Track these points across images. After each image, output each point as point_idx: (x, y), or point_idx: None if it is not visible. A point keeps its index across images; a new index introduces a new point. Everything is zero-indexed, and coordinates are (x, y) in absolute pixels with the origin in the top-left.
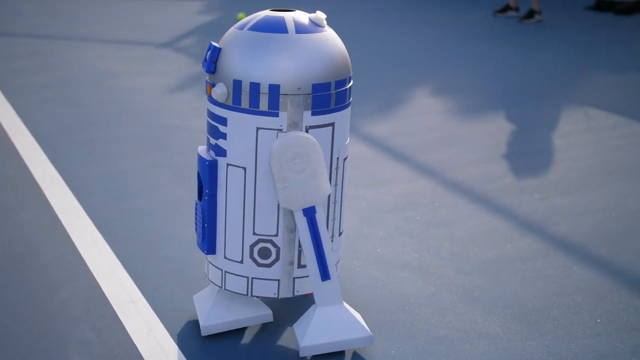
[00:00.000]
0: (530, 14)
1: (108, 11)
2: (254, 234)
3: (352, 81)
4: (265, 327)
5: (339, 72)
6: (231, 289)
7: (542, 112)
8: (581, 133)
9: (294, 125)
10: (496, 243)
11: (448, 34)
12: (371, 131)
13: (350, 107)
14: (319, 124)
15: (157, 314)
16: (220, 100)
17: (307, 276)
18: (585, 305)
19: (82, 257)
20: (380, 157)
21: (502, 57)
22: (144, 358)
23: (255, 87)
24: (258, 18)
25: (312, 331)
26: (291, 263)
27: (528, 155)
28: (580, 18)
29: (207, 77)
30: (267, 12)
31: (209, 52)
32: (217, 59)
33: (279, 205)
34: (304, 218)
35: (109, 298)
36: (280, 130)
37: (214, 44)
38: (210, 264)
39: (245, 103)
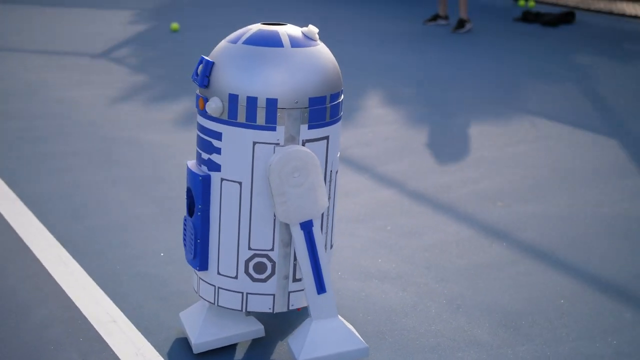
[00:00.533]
0: (461, 23)
1: (31, 20)
2: (250, 248)
3: (343, 94)
4: (256, 342)
5: (333, 85)
6: (225, 305)
7: (489, 121)
8: (530, 142)
9: (291, 139)
10: (468, 251)
11: (384, 43)
12: None
13: (341, 120)
14: (315, 137)
15: (142, 333)
16: (214, 115)
17: (302, 290)
18: (565, 309)
19: (52, 277)
20: (341, 168)
21: (438, 67)
22: None
23: (252, 102)
24: (251, 32)
25: (308, 345)
26: (286, 277)
27: (482, 164)
28: (509, 29)
29: (197, 91)
30: (259, 26)
31: (200, 66)
32: (210, 73)
33: (274, 220)
34: (301, 232)
35: (88, 318)
36: (278, 144)
37: (206, 58)
38: (201, 280)
39: (241, 117)
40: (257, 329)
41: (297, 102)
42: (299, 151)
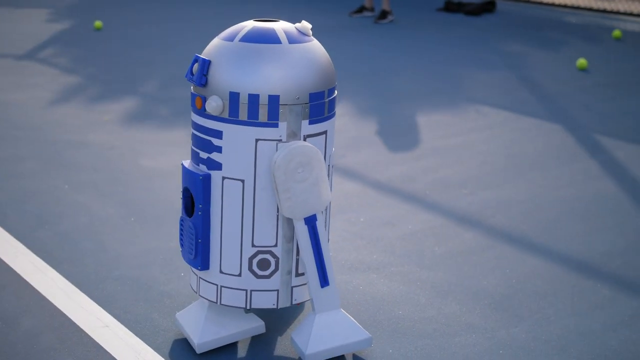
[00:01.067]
0: (383, 14)
1: None
2: (253, 245)
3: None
4: (256, 338)
5: (330, 80)
6: (228, 304)
7: (435, 110)
8: (478, 130)
9: (293, 135)
10: (444, 238)
11: (314, 34)
12: None
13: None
14: (315, 132)
15: (138, 337)
16: (214, 114)
17: (304, 284)
18: (548, 289)
19: (30, 285)
20: None
21: (372, 60)
22: None
23: (254, 99)
24: (247, 29)
25: (314, 338)
26: (289, 272)
27: (437, 153)
28: (433, 19)
29: (192, 89)
30: (252, 23)
31: (196, 65)
32: (207, 72)
33: (278, 216)
34: (306, 227)
35: (78, 324)
36: (280, 140)
37: (201, 56)
38: (201, 280)
39: (243, 115)
40: (258, 325)
41: (298, 97)
42: (303, 147)
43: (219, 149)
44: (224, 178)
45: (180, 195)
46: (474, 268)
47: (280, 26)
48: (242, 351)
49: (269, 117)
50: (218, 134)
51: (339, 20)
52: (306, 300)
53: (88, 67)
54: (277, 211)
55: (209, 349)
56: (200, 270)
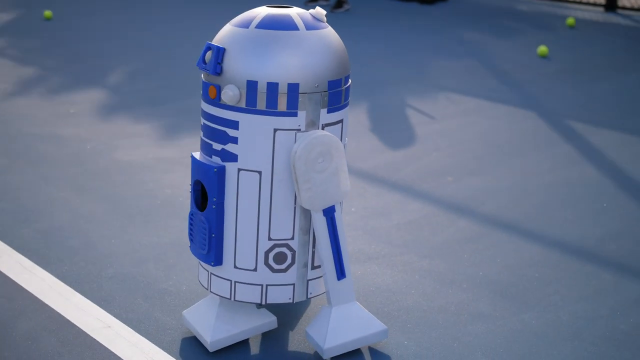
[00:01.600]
0: (339, 3)
1: None
2: (270, 239)
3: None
4: (267, 334)
5: (346, 67)
6: (243, 299)
7: (407, 99)
8: (453, 117)
9: (312, 124)
10: (439, 227)
11: None
12: None
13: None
14: (333, 121)
15: (144, 337)
16: (231, 103)
17: (319, 277)
18: (550, 276)
19: (20, 286)
20: None
21: None
22: None
23: (273, 87)
24: (262, 16)
25: (331, 332)
26: (305, 265)
27: (417, 141)
28: (388, 8)
29: (204, 78)
30: (266, 10)
31: (209, 53)
32: (222, 60)
33: (295, 207)
34: (324, 218)
35: (79, 326)
36: (299, 130)
37: (215, 44)
38: (213, 276)
39: (261, 104)
40: (270, 320)
41: (317, 85)
42: (324, 136)
43: (234, 140)
44: (239, 170)
45: (190, 189)
46: (474, 256)
47: (296, 12)
48: (254, 347)
49: (288, 106)
50: (234, 125)
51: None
52: (321, 293)
53: (44, 58)
54: (295, 203)
55: (222, 347)
56: (213, 265)
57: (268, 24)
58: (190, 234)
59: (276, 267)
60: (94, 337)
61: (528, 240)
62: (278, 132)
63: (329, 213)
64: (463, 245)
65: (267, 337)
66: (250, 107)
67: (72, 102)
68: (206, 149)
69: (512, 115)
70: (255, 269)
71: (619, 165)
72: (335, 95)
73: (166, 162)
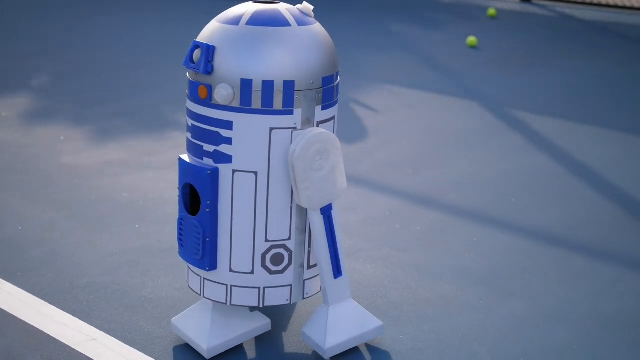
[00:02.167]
0: None
1: None
2: (267, 240)
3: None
4: (260, 338)
5: (336, 63)
6: (239, 303)
7: (350, 93)
8: (398, 110)
9: (307, 122)
10: (409, 220)
11: (197, 24)
12: None
13: None
14: (326, 118)
15: (133, 347)
16: (224, 103)
17: (315, 277)
18: (527, 263)
19: None
20: None
21: None
22: None
23: (268, 86)
24: (251, 12)
25: (331, 331)
26: (302, 265)
27: (367, 134)
28: (299, 1)
29: (190, 78)
30: (255, 5)
31: (197, 51)
32: (212, 59)
33: (291, 207)
34: (321, 217)
35: (61, 340)
36: (295, 128)
37: (203, 42)
38: (207, 281)
39: (256, 103)
40: (265, 323)
41: (312, 82)
42: (321, 134)
43: (228, 141)
44: (234, 171)
45: (178, 193)
46: (449, 247)
47: (285, 7)
48: (250, 352)
49: (284, 104)
50: (227, 125)
51: (204, 6)
52: (316, 293)
53: None
54: (291, 202)
55: (219, 353)
56: (207, 270)
57: (259, 20)
58: (179, 239)
59: (273, 268)
60: (80, 351)
61: (498, 228)
62: (274, 131)
63: (326, 211)
64: (436, 236)
65: (261, 340)
66: (245, 107)
67: (1, 106)
68: (196, 151)
69: (455, 106)
70: (252, 272)
71: (566, 151)
72: (328, 91)
73: (116, 165)
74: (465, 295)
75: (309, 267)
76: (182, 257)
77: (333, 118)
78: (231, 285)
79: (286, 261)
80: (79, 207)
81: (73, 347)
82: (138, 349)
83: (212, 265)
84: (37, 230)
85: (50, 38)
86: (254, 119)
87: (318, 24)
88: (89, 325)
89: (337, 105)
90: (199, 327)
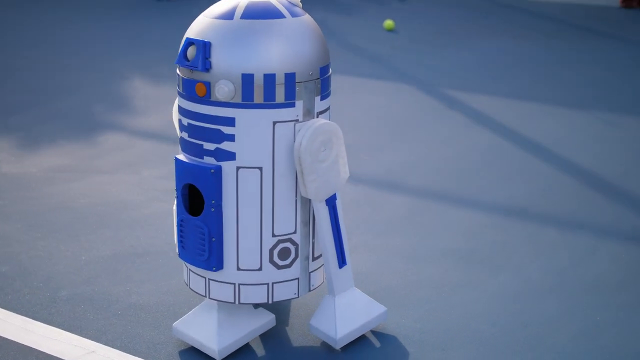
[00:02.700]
0: None
1: None
2: (274, 235)
3: None
4: (265, 334)
5: (328, 53)
6: (248, 301)
7: None
8: (335, 96)
9: (308, 113)
10: (377, 205)
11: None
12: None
13: None
14: (324, 108)
15: (137, 356)
16: (225, 100)
17: (319, 268)
18: (503, 238)
19: None
20: None
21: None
22: None
23: (270, 79)
24: (243, 5)
25: (340, 321)
26: (307, 258)
27: None
28: None
29: (183, 75)
30: None
31: (191, 49)
32: (210, 55)
33: (296, 200)
34: (326, 207)
35: (58, 356)
36: (297, 120)
37: (197, 38)
38: (212, 282)
39: (258, 98)
40: (270, 319)
41: (311, 73)
42: (325, 124)
43: (230, 138)
44: (238, 168)
45: (175, 194)
46: (424, 229)
47: None
48: (259, 350)
49: (285, 97)
50: (229, 121)
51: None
52: (321, 284)
53: None
54: (296, 195)
55: (229, 353)
56: (214, 271)
57: (253, 13)
58: (180, 241)
59: (281, 263)
60: None
61: (467, 207)
62: (277, 124)
63: (331, 202)
64: (410, 219)
65: (266, 336)
66: (247, 102)
67: None
68: (195, 150)
69: (388, 90)
70: (260, 268)
71: (512, 127)
72: (325, 81)
73: (63, 171)
74: (454, 274)
75: (314, 258)
76: (183, 259)
77: (328, 108)
78: (239, 284)
79: (293, 254)
80: (36, 217)
81: None
82: (142, 357)
83: (218, 265)
84: (5, 242)
85: None
86: (257, 113)
87: (307, 14)
88: (83, 338)
89: (331, 95)
90: (206, 329)
